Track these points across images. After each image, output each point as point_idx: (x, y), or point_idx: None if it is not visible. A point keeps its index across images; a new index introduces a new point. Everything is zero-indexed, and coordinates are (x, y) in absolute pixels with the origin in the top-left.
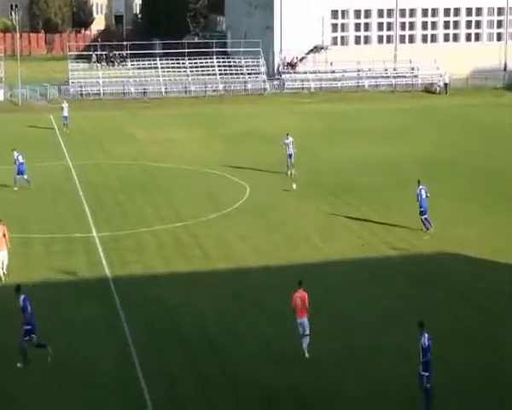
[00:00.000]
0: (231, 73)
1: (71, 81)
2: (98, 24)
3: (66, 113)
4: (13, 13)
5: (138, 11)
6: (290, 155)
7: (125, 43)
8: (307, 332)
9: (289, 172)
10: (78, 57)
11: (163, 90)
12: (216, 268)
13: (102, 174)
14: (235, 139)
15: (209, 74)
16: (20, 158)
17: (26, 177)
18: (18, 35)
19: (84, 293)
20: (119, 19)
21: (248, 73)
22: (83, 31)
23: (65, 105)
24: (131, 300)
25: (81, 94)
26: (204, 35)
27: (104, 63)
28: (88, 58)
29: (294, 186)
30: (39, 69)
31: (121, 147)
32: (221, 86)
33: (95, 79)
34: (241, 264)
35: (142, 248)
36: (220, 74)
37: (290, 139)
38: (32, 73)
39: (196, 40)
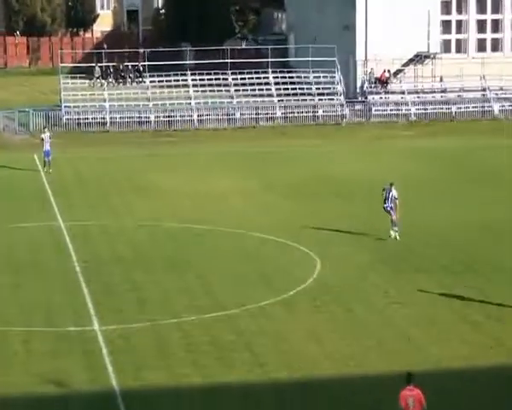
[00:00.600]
0: (294, 94)
1: (64, 105)
2: (103, 23)
3: (47, 146)
4: None
5: (160, 5)
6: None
7: (141, 50)
8: None
9: (392, 235)
10: (75, 71)
11: (195, 118)
12: (273, 379)
13: (109, 241)
14: (300, 190)
15: (262, 96)
16: None
17: None
18: None
19: None
20: (132, 16)
21: (319, 94)
22: (81, 33)
23: (45, 135)
24: None
25: (78, 124)
26: (255, 39)
27: (112, 79)
28: (89, 72)
29: (392, 234)
30: (19, 88)
31: (137, 201)
32: (280, 113)
33: (98, 102)
34: (311, 374)
35: (164, 348)
36: (279, 96)
37: (393, 193)
38: (8, 94)
39: (244, 46)
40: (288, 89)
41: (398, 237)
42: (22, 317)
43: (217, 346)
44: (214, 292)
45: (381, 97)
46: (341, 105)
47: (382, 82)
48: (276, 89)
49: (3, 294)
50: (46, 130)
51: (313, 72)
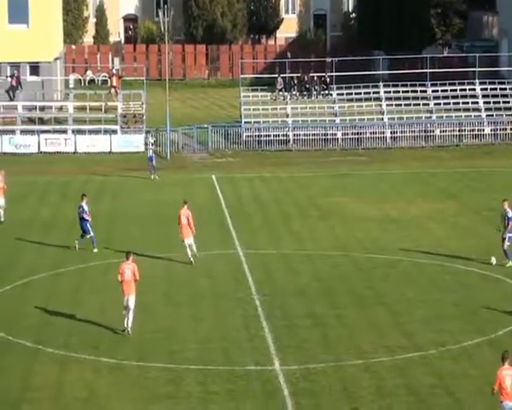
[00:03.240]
0: (506, 108)
1: (244, 121)
2: (287, 29)
3: (151, 152)
4: (160, 13)
5: (351, 8)
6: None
7: (328, 59)
8: None
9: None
10: (256, 83)
11: (388, 135)
12: None
13: (291, 271)
14: None
15: (467, 110)
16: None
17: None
18: (167, 48)
19: None
20: (320, 20)
21: None
22: (263, 40)
23: (150, 141)
24: None
25: (259, 141)
26: (460, 46)
27: (295, 92)
28: (271, 84)
29: (493, 260)
30: (197, 102)
31: (321, 227)
32: (488, 129)
33: (280, 117)
34: None
35: (351, 391)
36: (487, 110)
37: (507, 211)
38: (186, 109)
39: (446, 54)
40: (498, 102)
41: None
42: (199, 353)
43: (413, 389)
44: (407, 330)
45: None
46: None
47: None
48: (485, 102)
49: (181, 327)
50: (149, 135)
51: None
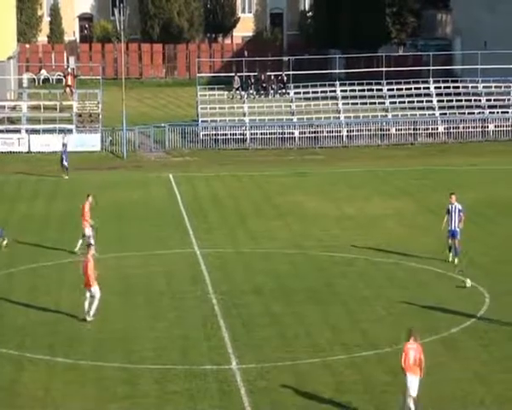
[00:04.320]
0: (460, 107)
1: (201, 120)
2: (244, 28)
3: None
4: (116, 12)
5: (308, 7)
6: (454, 234)
7: (285, 58)
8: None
9: (451, 259)
10: (213, 82)
11: (345, 133)
12: None
13: (248, 270)
14: (469, 215)
15: (422, 108)
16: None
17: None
18: (123, 47)
19: None
20: (276, 19)
21: (490, 107)
22: (220, 39)
23: (63, 142)
24: None
25: (216, 140)
26: (414, 44)
27: (252, 91)
28: (227, 83)
29: (468, 283)
30: (154, 101)
31: (278, 225)
32: (442, 128)
33: (237, 116)
34: None
35: (309, 389)
36: (441, 108)
37: (456, 205)
38: (143, 108)
39: (401, 53)
40: (452, 100)
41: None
42: (156, 353)
43: (369, 388)
44: (363, 328)
45: None
46: None
47: None
48: (439, 101)
49: (138, 327)
50: (64, 136)
51: (483, 81)
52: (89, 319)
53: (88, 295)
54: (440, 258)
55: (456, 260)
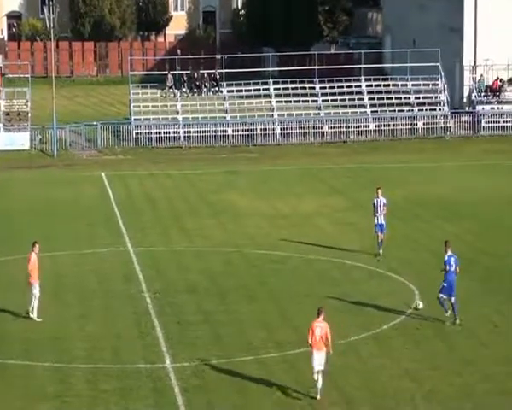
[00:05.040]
0: (390, 104)
1: (133, 119)
2: (177, 26)
3: None
4: (45, 10)
5: (240, 5)
6: (381, 228)
7: (218, 56)
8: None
9: (379, 254)
10: (146, 80)
11: (278, 131)
12: None
13: (182, 269)
14: (395, 211)
15: (354, 106)
16: None
17: None
18: (53, 44)
19: None
20: (209, 18)
21: (419, 104)
22: (153, 37)
23: None
24: None
25: (149, 138)
26: (346, 42)
27: (185, 89)
28: (161, 81)
29: (421, 305)
30: (85, 100)
31: (212, 224)
32: (373, 125)
33: (171, 114)
34: None
35: (242, 387)
36: (372, 106)
37: (381, 200)
38: (74, 106)
39: (333, 51)
40: (382, 98)
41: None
42: (88, 352)
43: (301, 384)
44: (296, 325)
45: (492, 108)
46: (445, 116)
47: (494, 91)
48: (370, 98)
49: (69, 326)
50: None
51: (412, 79)
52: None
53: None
54: (372, 254)
55: (380, 251)
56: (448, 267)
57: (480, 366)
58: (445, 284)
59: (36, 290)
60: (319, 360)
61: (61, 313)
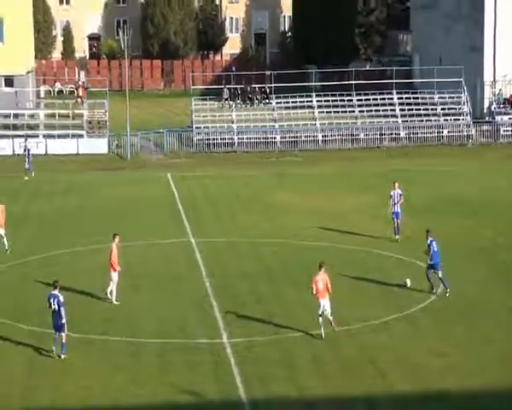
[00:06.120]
0: (419, 115)
1: (195, 127)
2: (232, 46)
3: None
4: (120, 32)
5: (287, 28)
6: (397, 215)
7: (268, 72)
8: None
9: (396, 237)
10: (206, 93)
11: (320, 138)
12: (395, 391)
13: (237, 257)
14: (424, 209)
15: (386, 116)
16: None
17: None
18: (127, 62)
19: None
20: (260, 39)
21: (444, 115)
22: (211, 56)
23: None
24: None
25: (208, 144)
26: (380, 60)
27: (239, 101)
28: (218, 94)
29: (409, 282)
30: (154, 110)
31: (263, 219)
32: (403, 133)
33: (226, 123)
34: (433, 386)
35: (289, 360)
36: (403, 116)
37: (397, 191)
38: (144, 116)
39: (368, 68)
40: (412, 109)
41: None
42: (157, 329)
43: (340, 358)
44: (336, 307)
45: (510, 118)
46: (467, 125)
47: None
48: (401, 109)
49: (141, 307)
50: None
51: (438, 92)
52: (113, 300)
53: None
54: (400, 245)
55: (398, 237)
56: (431, 249)
57: (498, 344)
58: (431, 263)
59: (115, 277)
60: (325, 305)
61: (134, 295)
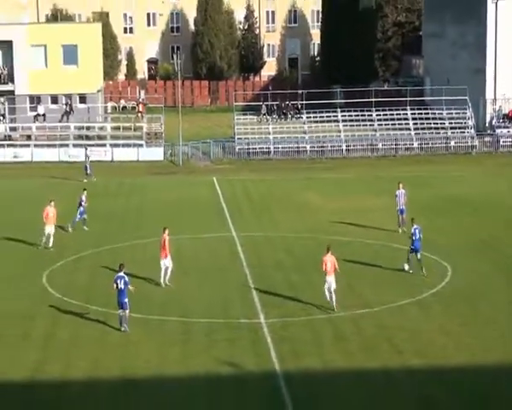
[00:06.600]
0: (429, 128)
1: (237, 138)
2: (269, 69)
3: (88, 166)
4: (174, 57)
5: (316, 53)
6: (402, 211)
7: (299, 91)
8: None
9: (400, 230)
10: (246, 109)
11: (344, 147)
12: (408, 365)
13: (272, 249)
14: (434, 208)
15: (401, 129)
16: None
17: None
18: (180, 83)
19: (248, 390)
20: (293, 62)
21: (452, 128)
22: (251, 77)
23: (88, 154)
24: (305, 402)
25: (248, 153)
26: (396, 81)
27: (275, 116)
28: (257, 109)
29: (407, 267)
30: (202, 123)
31: (295, 216)
32: (416, 144)
33: (264, 134)
34: (442, 362)
35: (317, 338)
36: (415, 129)
37: (402, 191)
38: (194, 128)
39: (386, 87)
40: (423, 123)
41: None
42: (204, 310)
43: (361, 337)
44: (359, 292)
45: (508, 131)
46: (472, 137)
47: (510, 118)
48: (414, 123)
49: (190, 291)
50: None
51: (446, 109)
52: (163, 284)
53: (162, 264)
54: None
55: (401, 230)
56: (414, 237)
57: (499, 324)
58: (412, 247)
59: (169, 264)
60: (332, 282)
61: (184, 281)
